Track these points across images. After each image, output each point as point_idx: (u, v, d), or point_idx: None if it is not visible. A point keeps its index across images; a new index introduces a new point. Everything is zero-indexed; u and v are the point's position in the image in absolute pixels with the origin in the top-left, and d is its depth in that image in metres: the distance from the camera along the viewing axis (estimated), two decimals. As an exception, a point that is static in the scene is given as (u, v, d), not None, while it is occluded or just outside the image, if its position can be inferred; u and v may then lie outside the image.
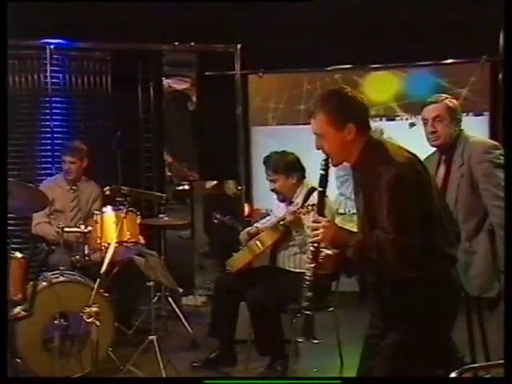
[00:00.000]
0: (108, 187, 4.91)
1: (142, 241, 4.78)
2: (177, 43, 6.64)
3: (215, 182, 6.74)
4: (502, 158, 3.58)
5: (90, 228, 4.67)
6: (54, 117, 6.36)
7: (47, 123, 6.35)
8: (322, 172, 2.73)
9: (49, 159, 6.27)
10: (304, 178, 4.44)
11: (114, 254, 4.04)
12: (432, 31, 5.93)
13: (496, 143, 3.73)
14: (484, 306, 3.69)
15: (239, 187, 6.65)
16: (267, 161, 4.49)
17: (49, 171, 6.13)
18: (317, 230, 2.69)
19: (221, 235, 5.70)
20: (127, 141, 5.36)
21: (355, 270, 2.84)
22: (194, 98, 6.90)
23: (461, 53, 5.98)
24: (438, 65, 6.19)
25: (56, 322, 4.03)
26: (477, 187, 3.62)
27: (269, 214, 4.91)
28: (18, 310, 3.60)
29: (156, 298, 4.82)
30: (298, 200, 4.37)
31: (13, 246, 4.00)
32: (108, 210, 4.74)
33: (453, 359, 3.78)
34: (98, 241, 4.61)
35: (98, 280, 3.85)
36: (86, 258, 4.73)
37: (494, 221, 3.53)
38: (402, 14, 5.85)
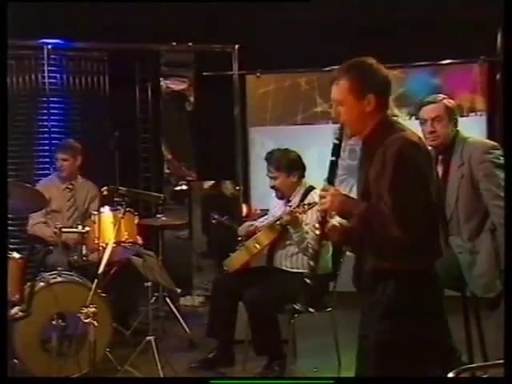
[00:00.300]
0: (106, 187, 4.91)
1: (140, 241, 4.79)
2: (174, 43, 6.64)
3: (213, 182, 6.74)
4: (501, 158, 3.59)
5: (87, 228, 4.67)
6: (52, 117, 6.36)
7: (45, 123, 6.34)
8: (335, 141, 2.72)
9: (46, 159, 6.26)
10: (303, 177, 4.44)
11: (111, 254, 4.04)
12: (430, 32, 5.94)
13: (495, 143, 3.74)
14: (485, 305, 3.71)
15: (237, 187, 6.65)
16: (269, 157, 4.48)
17: (46, 171, 6.11)
18: (324, 198, 2.69)
19: (219, 235, 5.70)
20: (125, 141, 5.35)
21: (358, 244, 2.81)
22: (192, 99, 6.90)
23: (459, 53, 5.99)
24: (436, 65, 6.20)
25: (54, 322, 4.02)
26: (478, 187, 3.63)
27: (266, 213, 4.90)
28: (15, 310, 3.60)
29: (154, 298, 4.81)
30: (296, 199, 4.37)
31: (11, 246, 3.99)
32: (106, 210, 4.74)
33: (450, 358, 3.80)
34: (96, 241, 4.61)
35: (96, 280, 3.85)
36: (84, 258, 4.73)
37: (496, 220, 3.55)
38: (400, 15, 5.86)
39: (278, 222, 4.35)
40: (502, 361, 2.33)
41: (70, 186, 5.26)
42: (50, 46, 6.22)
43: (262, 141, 6.60)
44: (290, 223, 4.25)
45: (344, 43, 5.97)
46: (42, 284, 4.15)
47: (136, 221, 4.81)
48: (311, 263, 2.79)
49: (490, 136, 5.74)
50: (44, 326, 4.09)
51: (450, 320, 3.79)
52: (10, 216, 4.58)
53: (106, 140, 5.46)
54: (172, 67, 6.87)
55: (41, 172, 6.19)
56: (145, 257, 4.20)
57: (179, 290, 4.55)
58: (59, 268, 4.36)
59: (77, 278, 4.40)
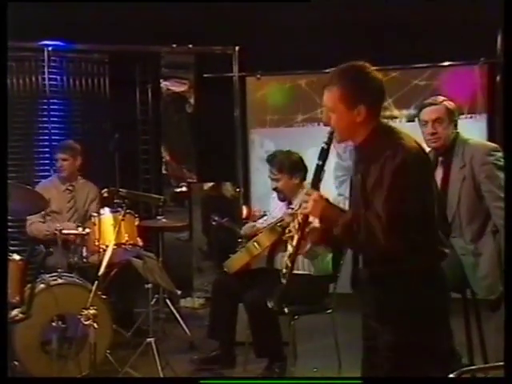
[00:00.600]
0: (106, 189, 4.91)
1: (140, 243, 4.79)
2: (175, 45, 6.65)
3: (213, 184, 6.74)
4: (502, 160, 3.59)
5: (87, 230, 4.67)
6: (52, 119, 6.36)
7: (45, 125, 6.34)
8: (324, 145, 2.67)
9: (47, 161, 6.26)
10: (305, 179, 4.43)
11: (111, 256, 4.04)
12: (430, 33, 5.94)
13: (496, 145, 3.74)
14: (485, 307, 3.71)
15: (237, 189, 6.65)
16: (272, 159, 4.47)
17: (46, 173, 6.11)
18: (306, 202, 2.65)
19: (219, 237, 5.70)
20: (125, 143, 5.36)
21: (338, 246, 2.81)
22: (192, 100, 6.90)
23: (459, 55, 6.00)
24: (436, 67, 6.20)
25: (54, 324, 4.02)
26: (479, 189, 3.63)
27: (265, 215, 4.90)
28: (15, 312, 3.60)
29: (154, 300, 4.81)
30: (297, 201, 4.36)
31: (11, 248, 3.99)
32: (106, 211, 4.74)
33: (450, 361, 3.79)
34: (96, 243, 4.61)
35: (96, 282, 3.85)
36: (84, 260, 4.73)
37: (498, 222, 3.55)
38: (400, 17, 5.86)
39: (278, 224, 4.35)
40: (502, 363, 2.33)
41: (70, 188, 5.25)
42: (50, 48, 6.23)
43: (263, 142, 6.60)
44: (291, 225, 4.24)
45: (344, 45, 5.97)
46: (42, 286, 4.15)
47: (136, 222, 4.81)
48: (288, 263, 2.75)
49: (490, 138, 5.75)
50: (44, 327, 4.08)
51: (450, 322, 3.82)
52: (10, 218, 4.62)
53: (106, 142, 5.45)
54: (172, 69, 6.87)
55: (41, 174, 6.19)
56: (145, 258, 4.20)
57: (179, 292, 4.55)
58: (59, 270, 4.36)
59: (77, 280, 4.40)
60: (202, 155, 6.90)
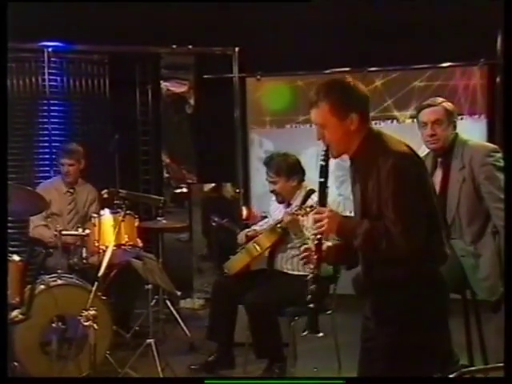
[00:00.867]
0: (106, 190, 4.91)
1: (140, 244, 4.79)
2: (175, 46, 6.65)
3: (213, 185, 6.74)
4: (501, 160, 3.59)
5: (87, 231, 4.67)
6: (52, 119, 6.37)
7: (45, 126, 6.35)
8: (322, 163, 2.69)
9: (47, 162, 6.27)
10: (303, 180, 4.45)
11: (111, 257, 4.04)
12: (430, 34, 5.94)
13: (496, 146, 3.74)
14: (486, 308, 3.70)
15: (237, 190, 6.66)
16: (269, 162, 4.47)
17: (47, 174, 6.12)
18: (320, 221, 2.63)
19: (219, 238, 5.70)
20: (125, 143, 5.36)
21: (355, 262, 2.80)
22: (192, 101, 6.90)
23: (459, 56, 6.00)
24: (435, 68, 6.21)
25: (54, 325, 4.02)
26: (479, 190, 3.63)
27: (266, 217, 4.90)
28: (15, 313, 3.60)
29: (154, 301, 4.82)
30: (297, 202, 4.36)
31: (10, 249, 3.98)
32: (106, 213, 4.74)
33: (448, 363, 3.80)
34: (96, 244, 4.61)
35: (96, 283, 3.85)
36: (84, 261, 4.73)
37: (498, 223, 3.55)
38: (399, 18, 5.86)
39: (278, 225, 4.35)
40: (502, 364, 2.33)
41: (71, 190, 5.25)
42: (50, 49, 6.23)
43: (262, 142, 6.61)
44: (291, 226, 4.25)
45: (344, 45, 5.99)
46: (42, 287, 4.15)
47: (136, 223, 4.81)
48: (312, 287, 2.69)
49: (490, 139, 5.75)
50: (44, 328, 4.08)
51: (450, 322, 3.81)
52: (10, 219, 4.62)
53: (106, 142, 5.46)
54: (172, 70, 6.88)
55: (41, 175, 6.19)
56: (145, 259, 4.20)
57: (179, 293, 4.55)
58: (59, 271, 4.36)
59: (77, 281, 4.40)
60: (201, 156, 6.91)
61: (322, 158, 2.69)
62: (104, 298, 4.24)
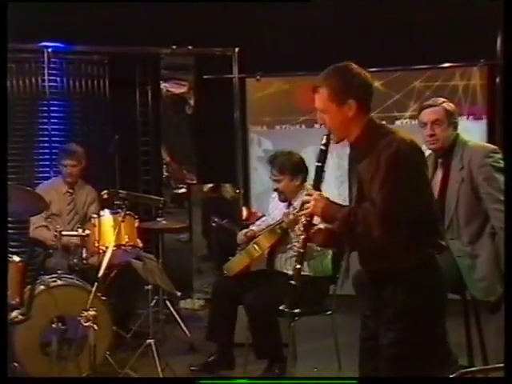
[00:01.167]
0: (106, 191, 4.90)
1: (140, 244, 4.78)
2: (174, 47, 6.65)
3: (213, 185, 6.74)
4: (501, 161, 3.59)
5: (87, 231, 4.66)
6: (52, 120, 6.36)
7: (45, 126, 6.34)
8: (322, 147, 2.76)
9: (47, 162, 6.26)
10: (306, 180, 4.42)
11: (111, 257, 4.04)
12: (430, 34, 5.94)
13: (495, 147, 3.73)
14: (486, 308, 3.70)
15: (237, 190, 6.66)
16: (273, 160, 4.45)
17: (47, 174, 6.12)
18: (308, 202, 2.73)
19: (219, 239, 5.70)
20: (125, 144, 5.36)
21: (343, 246, 2.87)
22: (192, 102, 6.90)
23: (458, 56, 6.00)
24: (435, 68, 6.21)
25: (54, 325, 4.02)
26: (478, 191, 3.62)
27: (264, 215, 4.89)
28: (15, 313, 3.60)
29: (154, 301, 4.82)
30: (298, 203, 4.35)
31: (10, 249, 3.99)
32: (106, 213, 4.74)
33: (445, 360, 3.80)
34: (96, 244, 4.61)
35: (96, 284, 3.85)
36: (84, 261, 4.73)
37: (497, 224, 3.54)
38: (399, 18, 5.86)
39: (278, 226, 4.34)
40: (502, 364, 2.33)
41: (71, 190, 5.25)
42: (50, 50, 6.22)
43: (260, 141, 6.61)
44: (291, 226, 4.25)
45: (344, 46, 5.98)
46: (41, 287, 4.15)
47: (136, 224, 4.81)
48: (297, 266, 2.81)
49: (491, 140, 5.75)
50: (44, 329, 4.08)
51: (450, 323, 3.81)
52: (10, 219, 4.62)
53: (106, 143, 5.45)
54: (172, 70, 6.88)
55: (41, 175, 6.18)
56: (145, 260, 4.20)
57: (179, 293, 4.54)
58: (59, 271, 4.35)
59: (77, 282, 4.40)
60: (201, 156, 6.91)
61: (323, 142, 2.75)
62: (104, 298, 4.24)
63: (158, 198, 5.64)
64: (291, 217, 4.20)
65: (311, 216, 2.77)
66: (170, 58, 6.83)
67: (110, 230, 4.63)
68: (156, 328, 4.71)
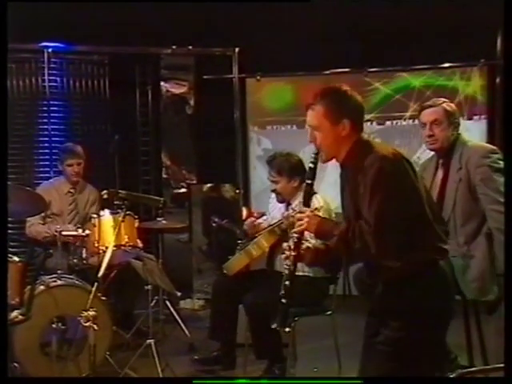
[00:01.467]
0: (106, 191, 4.90)
1: (140, 244, 4.78)
2: (174, 47, 6.65)
3: (213, 185, 6.74)
4: (500, 162, 3.58)
5: (87, 231, 4.67)
6: (52, 120, 6.36)
7: (45, 126, 6.35)
8: (310, 165, 2.81)
9: (47, 162, 6.26)
10: (304, 182, 4.42)
11: (111, 257, 4.04)
12: (430, 35, 5.94)
13: (494, 147, 3.73)
14: (483, 309, 3.70)
15: (237, 190, 6.66)
16: (271, 161, 4.46)
17: (47, 174, 6.12)
18: (301, 220, 2.75)
19: (219, 239, 5.70)
20: (125, 144, 5.36)
21: (333, 266, 2.90)
22: (192, 102, 6.90)
23: (458, 57, 6.00)
24: (435, 68, 6.21)
25: (54, 325, 4.02)
26: (475, 191, 3.61)
27: (264, 214, 4.89)
28: (15, 313, 3.60)
29: (154, 301, 4.81)
30: (296, 203, 4.36)
31: (10, 249, 3.98)
32: (106, 213, 4.74)
33: (445, 360, 3.80)
34: (96, 244, 4.61)
35: (96, 284, 3.84)
36: (84, 261, 4.73)
37: (493, 225, 3.53)
38: (399, 18, 5.87)
39: (278, 227, 4.34)
40: (502, 364, 2.33)
41: (72, 190, 5.25)
42: (50, 50, 6.23)
43: (261, 141, 6.61)
44: (290, 227, 4.24)
45: (344, 46, 5.99)
46: (41, 287, 4.15)
47: (136, 224, 4.81)
48: (287, 283, 2.82)
49: (491, 140, 5.75)
50: (44, 329, 4.08)
51: (450, 323, 3.80)
52: (10, 219, 4.61)
53: (106, 143, 5.45)
54: (172, 70, 6.88)
55: (41, 175, 6.19)
56: (145, 260, 4.20)
57: (179, 293, 4.54)
58: (59, 271, 4.36)
59: (77, 282, 4.40)
60: (201, 156, 6.91)
61: (312, 160, 2.80)
62: (104, 298, 4.24)
63: (157, 198, 5.63)
64: (291, 219, 4.20)
65: (302, 234, 2.80)
66: (170, 58, 6.83)
67: (109, 230, 4.63)
68: (156, 328, 4.70)
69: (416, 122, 4.40)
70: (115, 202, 4.80)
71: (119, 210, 4.64)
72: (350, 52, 6.08)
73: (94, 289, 3.81)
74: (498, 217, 3.48)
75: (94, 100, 6.58)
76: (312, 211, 2.78)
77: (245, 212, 6.61)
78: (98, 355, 3.74)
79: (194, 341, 5.04)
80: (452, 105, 3.82)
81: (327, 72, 6.29)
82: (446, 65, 6.19)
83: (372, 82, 6.23)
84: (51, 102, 6.36)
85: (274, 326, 2.87)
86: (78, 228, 4.75)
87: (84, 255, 4.73)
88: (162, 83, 6.88)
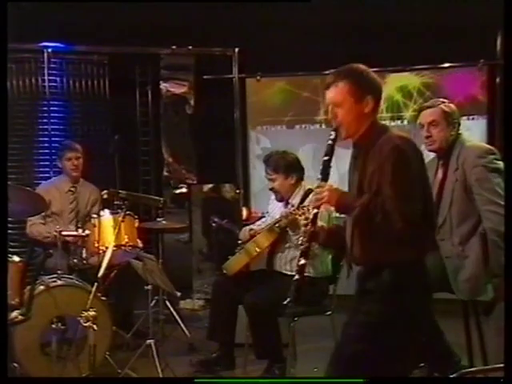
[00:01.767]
0: (106, 191, 4.91)
1: (140, 244, 4.78)
2: (174, 47, 6.65)
3: (213, 186, 6.74)
4: (496, 162, 3.57)
5: (87, 232, 4.67)
6: (52, 120, 6.36)
7: (45, 126, 6.34)
8: (329, 142, 2.82)
9: (47, 162, 6.26)
10: (302, 179, 4.45)
11: (111, 257, 4.05)
12: (430, 35, 5.94)
13: (491, 148, 3.72)
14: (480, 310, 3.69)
15: (237, 191, 6.66)
16: (268, 159, 4.49)
17: (47, 174, 6.12)
18: (320, 193, 2.76)
19: (219, 239, 5.70)
20: (125, 144, 5.35)
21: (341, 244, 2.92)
22: (192, 102, 6.90)
23: (458, 56, 6.00)
24: (435, 68, 6.21)
25: (53, 325, 4.01)
26: (470, 192, 3.60)
27: (264, 216, 4.90)
28: (15, 314, 3.60)
29: (154, 301, 4.81)
30: (295, 201, 4.36)
31: (10, 249, 3.98)
32: (106, 213, 4.73)
33: (447, 360, 3.81)
34: (96, 244, 4.61)
35: (96, 284, 3.85)
36: (84, 261, 4.73)
37: (487, 225, 3.52)
38: (399, 18, 5.86)
39: (277, 225, 4.35)
40: (502, 364, 2.33)
41: (73, 189, 5.24)
42: (50, 50, 6.23)
43: (259, 139, 6.61)
44: (290, 225, 4.25)
45: (344, 46, 5.98)
46: (41, 287, 4.15)
47: (136, 224, 4.81)
48: (301, 261, 2.84)
49: (490, 140, 5.75)
50: (44, 329, 4.08)
51: (450, 323, 3.81)
52: (10, 219, 4.61)
53: (106, 143, 5.45)
54: (172, 70, 6.88)
55: (41, 175, 6.19)
56: (145, 260, 4.20)
57: (179, 294, 4.54)
58: (59, 271, 4.35)
59: (77, 282, 4.40)
60: (201, 156, 6.91)
61: (331, 137, 2.82)
62: (104, 298, 4.24)
63: (157, 198, 5.63)
64: (288, 217, 4.21)
65: (317, 213, 2.81)
66: (170, 58, 6.83)
67: (109, 230, 4.63)
68: (156, 328, 4.70)
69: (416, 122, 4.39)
70: (115, 202, 4.81)
71: (119, 210, 4.65)
72: (350, 52, 6.06)
73: (93, 289, 3.82)
74: (492, 217, 3.48)
75: (93, 100, 6.58)
76: (331, 185, 2.80)
77: (245, 212, 6.61)
78: (98, 355, 3.74)
79: (194, 341, 5.05)
80: (451, 105, 3.81)
81: (327, 72, 6.25)
82: (446, 65, 6.19)
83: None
84: (51, 102, 6.36)
85: (286, 302, 2.86)
86: (78, 228, 4.76)
87: (84, 255, 4.73)
88: (161, 83, 6.87)
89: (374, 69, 2.89)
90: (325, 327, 4.31)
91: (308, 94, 6.41)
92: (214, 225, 5.44)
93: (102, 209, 4.87)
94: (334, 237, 2.94)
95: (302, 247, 2.85)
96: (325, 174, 2.82)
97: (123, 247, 4.62)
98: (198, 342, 4.99)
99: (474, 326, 3.75)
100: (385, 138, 2.71)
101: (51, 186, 5.25)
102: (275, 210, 4.59)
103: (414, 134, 3.89)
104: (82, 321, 3.44)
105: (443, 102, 3.79)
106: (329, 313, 4.25)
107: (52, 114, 6.37)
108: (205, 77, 6.66)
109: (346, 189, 2.92)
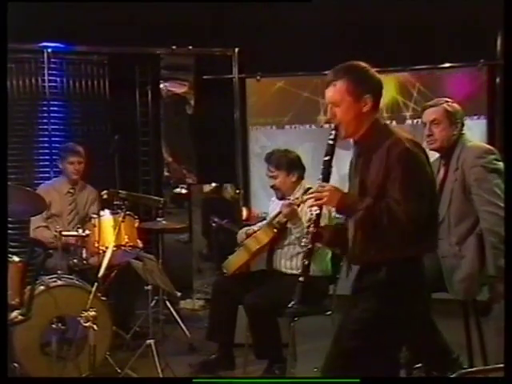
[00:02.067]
0: (106, 191, 4.90)
1: (140, 245, 4.78)
2: (174, 47, 6.64)
3: (213, 186, 6.74)
4: (495, 163, 3.57)
5: (87, 232, 4.66)
6: (52, 120, 6.36)
7: (45, 127, 6.34)
8: (329, 142, 2.81)
9: (47, 162, 6.26)
10: (303, 178, 4.45)
11: (111, 257, 4.05)
12: (430, 35, 5.94)
13: (490, 148, 3.71)
14: (487, 309, 3.70)
15: (237, 191, 6.66)
16: (269, 157, 4.49)
17: (47, 174, 6.12)
18: (321, 193, 2.74)
19: (219, 239, 5.70)
20: (125, 144, 5.35)
21: (344, 245, 2.91)
22: (192, 102, 6.89)
23: (458, 56, 6.00)
24: (435, 69, 6.21)
25: (54, 326, 4.02)
26: (469, 192, 3.60)
27: (265, 218, 4.90)
28: (15, 314, 3.60)
29: (154, 301, 4.81)
30: (297, 196, 4.35)
31: (10, 249, 3.98)
32: (106, 213, 4.73)
33: (446, 358, 3.81)
34: (96, 245, 4.60)
35: (96, 284, 3.85)
36: (84, 261, 4.73)
37: (484, 226, 3.51)
38: (399, 18, 5.86)
39: (276, 219, 4.35)
40: (502, 364, 2.34)
41: (72, 190, 5.25)
42: (50, 50, 6.22)
43: (262, 143, 6.60)
44: (289, 216, 4.24)
45: (344, 46, 5.98)
46: (41, 287, 4.15)
47: (136, 224, 4.81)
48: (305, 262, 2.84)
49: (490, 140, 5.75)
50: (44, 329, 4.08)
51: (450, 323, 3.81)
52: (10, 219, 4.61)
53: (106, 143, 5.45)
54: (172, 70, 6.87)
55: (41, 175, 6.18)
56: (145, 260, 4.20)
57: (179, 294, 4.54)
58: (59, 271, 4.36)
59: (77, 282, 4.40)
60: (201, 156, 6.90)
61: (331, 137, 2.80)
62: (104, 298, 4.24)
63: (157, 198, 5.62)
64: (287, 208, 4.20)
65: (321, 210, 2.80)
66: (170, 58, 6.82)
67: (109, 231, 4.63)
68: (156, 328, 4.70)
69: (416, 122, 4.40)
70: (115, 202, 4.80)
71: (119, 210, 4.64)
72: (350, 52, 6.06)
73: (93, 289, 3.82)
74: (489, 218, 3.47)
75: (93, 100, 6.58)
76: (333, 185, 2.77)
77: (245, 212, 6.61)
78: (98, 355, 3.74)
79: (194, 341, 5.05)
80: (454, 105, 3.80)
81: (327, 72, 6.26)
82: (446, 65, 6.19)
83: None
84: (51, 102, 6.35)
85: (291, 305, 2.85)
86: (78, 228, 4.75)
87: (84, 255, 4.72)
88: (161, 83, 6.87)
89: (374, 69, 2.87)
90: (325, 327, 4.30)
91: (308, 94, 6.42)
92: (214, 225, 5.44)
93: (102, 209, 4.87)
94: (338, 237, 2.90)
95: (305, 248, 2.84)
96: (326, 174, 2.81)
97: (123, 247, 4.61)
98: (197, 342, 4.99)
99: (473, 326, 3.76)
100: (392, 140, 2.68)
101: (50, 188, 5.25)
102: (276, 210, 4.59)
103: (414, 134, 3.88)
104: (82, 321, 3.44)
105: (446, 102, 3.79)
106: (329, 313, 4.25)
107: (52, 115, 6.37)
108: (205, 77, 6.66)
109: (346, 189, 2.91)
